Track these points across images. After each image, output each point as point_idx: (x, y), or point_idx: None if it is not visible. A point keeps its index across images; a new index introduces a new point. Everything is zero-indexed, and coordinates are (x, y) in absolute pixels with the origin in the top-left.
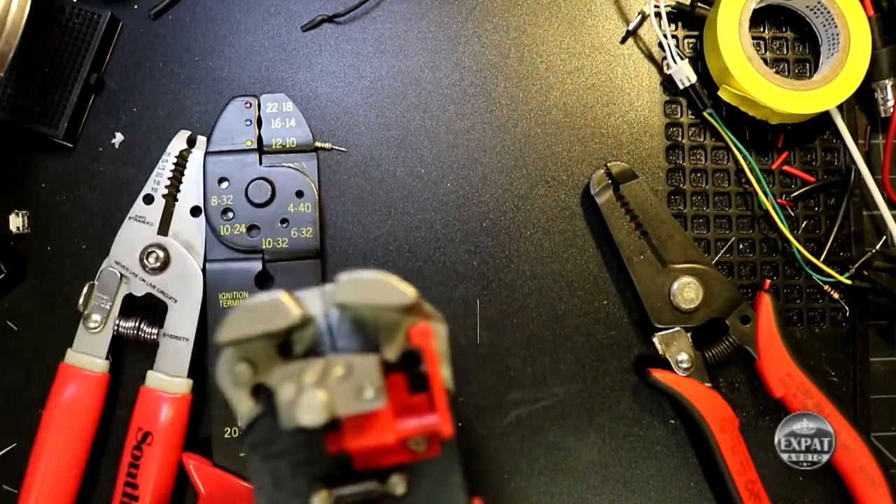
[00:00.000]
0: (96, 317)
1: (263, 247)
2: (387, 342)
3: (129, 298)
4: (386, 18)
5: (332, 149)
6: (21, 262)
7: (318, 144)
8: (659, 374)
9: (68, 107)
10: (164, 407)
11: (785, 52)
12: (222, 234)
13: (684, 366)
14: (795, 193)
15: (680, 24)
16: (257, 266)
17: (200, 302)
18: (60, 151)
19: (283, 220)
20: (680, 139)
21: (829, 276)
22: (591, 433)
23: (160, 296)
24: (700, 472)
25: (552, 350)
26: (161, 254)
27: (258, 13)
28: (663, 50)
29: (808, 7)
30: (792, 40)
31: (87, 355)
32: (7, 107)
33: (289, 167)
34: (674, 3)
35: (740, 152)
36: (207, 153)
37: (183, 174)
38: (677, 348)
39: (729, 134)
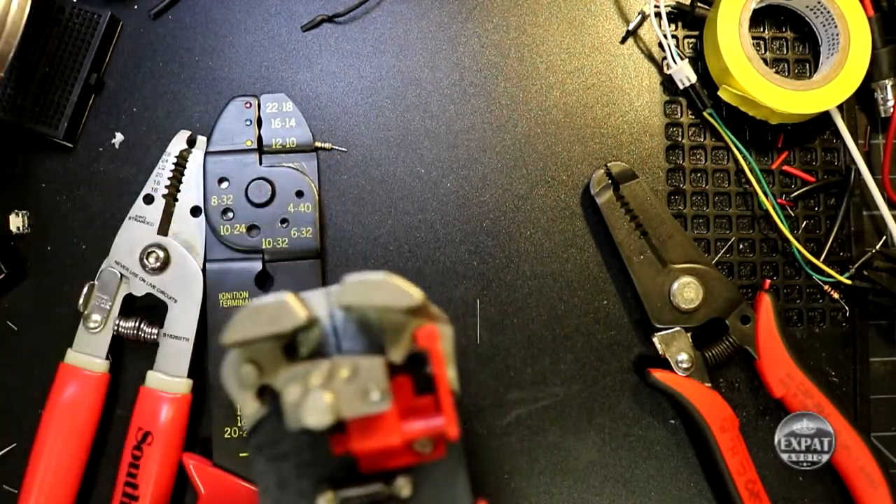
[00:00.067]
0: (96, 317)
1: (263, 247)
2: (392, 344)
3: (129, 298)
4: (386, 18)
5: (332, 149)
6: (21, 262)
7: (318, 144)
8: (659, 374)
9: (68, 107)
10: (164, 407)
11: (785, 52)
12: (222, 234)
13: (684, 366)
14: (795, 193)
15: (680, 24)
16: (257, 266)
17: (200, 302)
18: (60, 151)
19: (283, 220)
20: (680, 139)
21: (829, 276)
22: (591, 433)
23: (160, 296)
24: (700, 472)
25: (552, 350)
26: (161, 254)
27: (258, 13)
28: (663, 50)
29: (808, 7)
30: (792, 40)
31: (87, 355)
32: (7, 107)
33: (289, 167)
34: (674, 3)
35: (740, 152)
36: (207, 153)
37: (183, 174)
38: (677, 348)
39: (729, 134)
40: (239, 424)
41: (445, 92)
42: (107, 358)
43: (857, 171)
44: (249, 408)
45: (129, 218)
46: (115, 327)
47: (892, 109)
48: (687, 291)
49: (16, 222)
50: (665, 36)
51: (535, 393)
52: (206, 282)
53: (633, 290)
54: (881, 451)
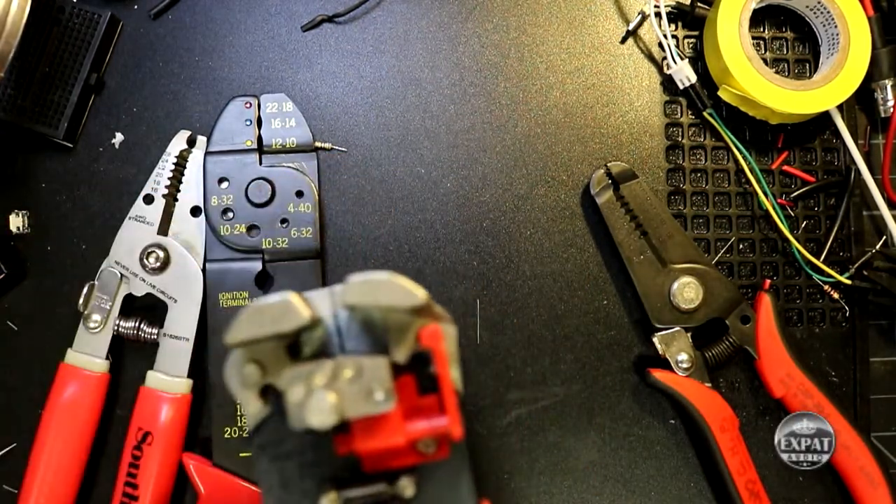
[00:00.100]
0: (96, 317)
1: (263, 247)
2: (396, 344)
3: (129, 298)
4: (386, 18)
5: (332, 149)
6: (21, 262)
7: (318, 144)
8: (659, 374)
9: (68, 107)
10: (164, 407)
11: (785, 52)
12: (222, 234)
13: (684, 366)
14: (795, 193)
15: (680, 24)
16: (257, 266)
17: (200, 302)
18: (60, 151)
19: (283, 220)
20: (680, 139)
21: (829, 276)
22: (591, 433)
23: (160, 296)
24: (700, 472)
25: (552, 350)
26: (161, 254)
27: (258, 13)
28: (663, 50)
29: (808, 7)
30: (792, 40)
31: (87, 355)
32: (7, 107)
33: (289, 167)
34: (674, 3)
35: (740, 152)
36: (207, 153)
37: (183, 174)
38: (677, 348)
39: (729, 134)
40: (239, 424)
41: (445, 92)
42: (107, 358)
43: (857, 171)
44: (253, 407)
45: (129, 218)
46: (115, 327)
47: (892, 109)
48: (687, 291)
49: (16, 222)
50: (665, 36)
51: (535, 393)
52: (206, 282)
53: (633, 290)
54: (881, 451)
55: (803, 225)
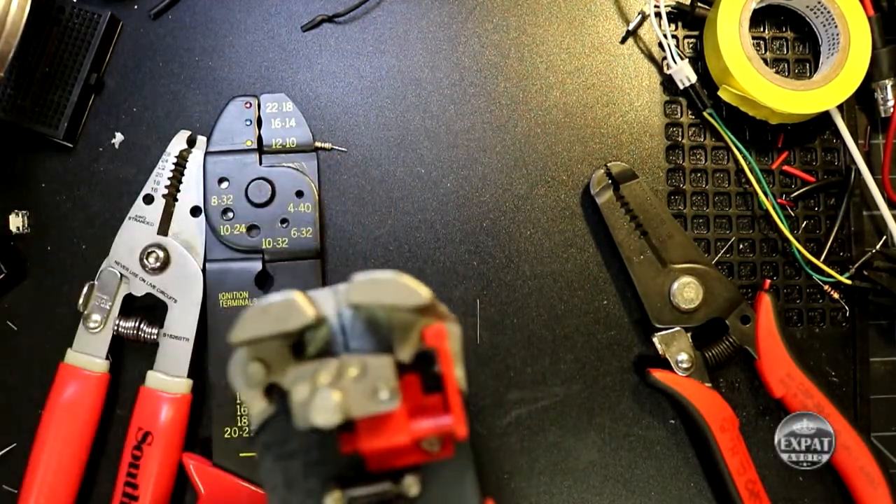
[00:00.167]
0: (96, 317)
1: (263, 247)
2: (400, 343)
3: (129, 298)
4: (386, 18)
5: (332, 149)
6: (21, 262)
7: (318, 144)
8: (659, 374)
9: (68, 107)
10: (164, 407)
11: (785, 52)
12: (222, 234)
13: (684, 366)
14: (795, 193)
15: (680, 24)
16: (257, 266)
17: (200, 302)
18: (60, 151)
19: (283, 220)
20: (680, 139)
21: (829, 276)
22: (591, 433)
23: (160, 296)
24: (700, 472)
25: (552, 350)
26: (161, 254)
27: (258, 13)
28: (663, 50)
29: (808, 7)
30: (792, 40)
31: (87, 355)
32: (7, 107)
33: (289, 167)
34: (674, 3)
35: (740, 152)
36: (207, 153)
37: (183, 174)
38: (677, 348)
39: (729, 134)
40: (239, 424)
41: (445, 92)
42: (107, 358)
43: (857, 171)
44: (257, 407)
45: (129, 218)
46: (115, 327)
47: (892, 109)
48: (687, 291)
49: (16, 222)
50: (665, 36)
51: (535, 393)
52: (206, 282)
53: (633, 290)
54: (881, 451)
55: (803, 225)
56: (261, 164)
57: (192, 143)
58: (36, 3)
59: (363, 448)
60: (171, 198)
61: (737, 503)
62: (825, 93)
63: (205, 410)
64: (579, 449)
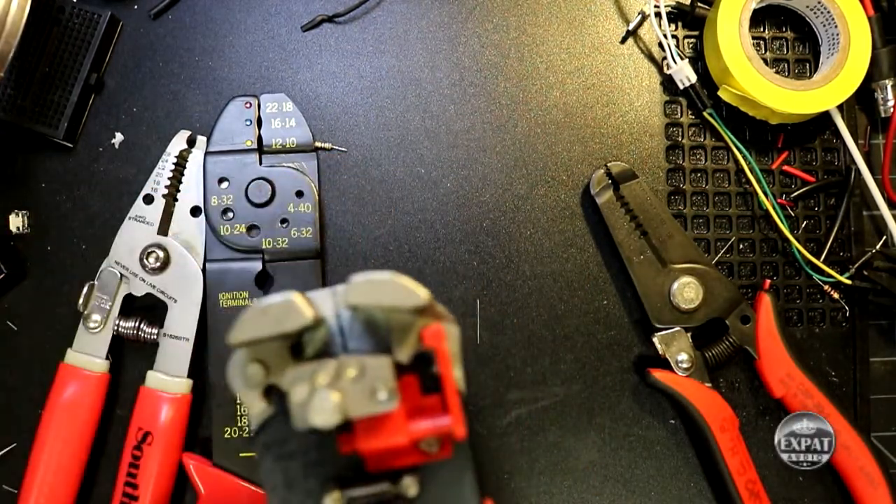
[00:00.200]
0: (96, 317)
1: (263, 247)
2: (399, 343)
3: (129, 298)
4: (386, 18)
5: (332, 149)
6: (21, 262)
7: (318, 144)
8: (659, 374)
9: (68, 107)
10: (164, 407)
11: (785, 52)
12: (222, 234)
13: (684, 366)
14: (795, 193)
15: (680, 24)
16: (257, 266)
17: (200, 302)
18: (60, 151)
19: (283, 220)
20: (680, 139)
21: (829, 276)
22: (591, 433)
23: (160, 296)
24: (700, 472)
25: (552, 350)
26: (161, 254)
27: (258, 13)
28: (663, 50)
29: (808, 7)
30: (792, 40)
31: (87, 355)
32: (7, 107)
33: (289, 167)
34: (674, 3)
35: (740, 152)
36: (207, 153)
37: (183, 174)
38: (677, 348)
39: (729, 134)
40: (239, 424)
41: (445, 92)
42: (107, 358)
43: (857, 171)
44: (256, 407)
45: (129, 218)
46: (115, 327)
47: (892, 109)
48: (687, 291)
49: (16, 222)
50: (665, 36)
51: (535, 393)
52: (206, 282)
53: (633, 290)
54: (881, 451)
55: (803, 225)
56: (261, 164)
57: (192, 143)
58: (36, 3)
59: (362, 448)
60: (171, 198)
61: (737, 503)
62: (825, 93)
63: (205, 410)
64: (579, 449)
